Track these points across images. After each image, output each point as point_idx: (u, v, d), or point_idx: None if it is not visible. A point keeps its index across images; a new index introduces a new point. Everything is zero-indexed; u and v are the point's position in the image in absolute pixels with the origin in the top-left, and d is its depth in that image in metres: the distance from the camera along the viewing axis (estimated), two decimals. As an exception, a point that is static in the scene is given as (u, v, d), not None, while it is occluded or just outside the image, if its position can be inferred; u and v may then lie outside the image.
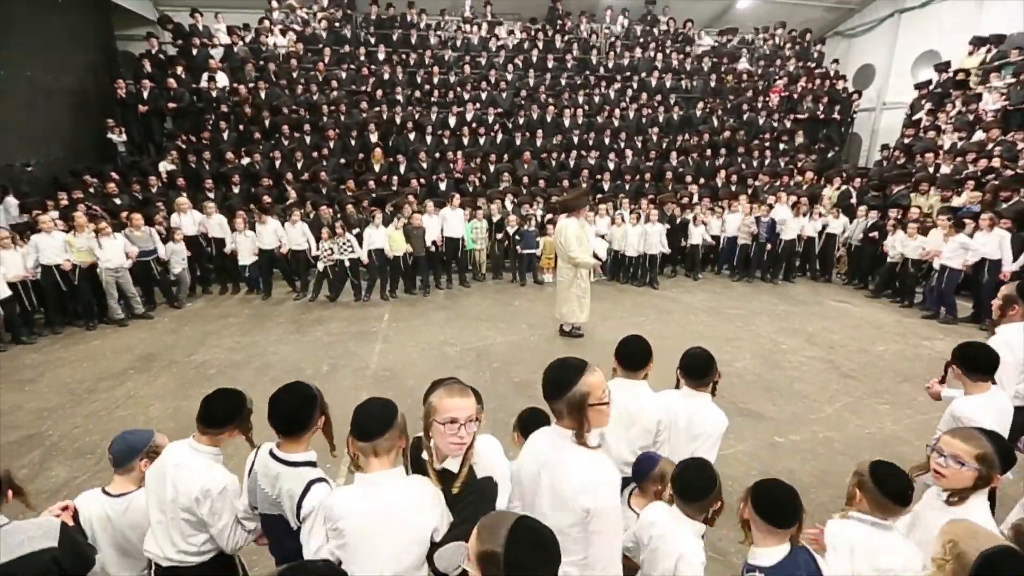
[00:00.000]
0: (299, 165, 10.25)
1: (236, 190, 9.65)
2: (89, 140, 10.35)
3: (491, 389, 5.00)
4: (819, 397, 4.99)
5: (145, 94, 10.51)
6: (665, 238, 9.25)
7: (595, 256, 6.66)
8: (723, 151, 12.14)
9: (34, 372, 5.50)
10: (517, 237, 9.20)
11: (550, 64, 13.18)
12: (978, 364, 2.43)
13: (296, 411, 1.81)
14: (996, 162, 8.77)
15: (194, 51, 11.53)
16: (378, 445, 1.61)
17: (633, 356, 2.36)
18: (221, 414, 1.97)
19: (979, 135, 9.60)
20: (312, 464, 1.85)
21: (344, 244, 7.88)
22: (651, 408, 2.34)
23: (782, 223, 9.28)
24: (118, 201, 8.86)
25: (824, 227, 9.45)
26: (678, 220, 9.70)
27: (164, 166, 9.84)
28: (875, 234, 8.73)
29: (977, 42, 11.03)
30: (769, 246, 9.39)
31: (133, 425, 4.30)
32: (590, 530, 1.61)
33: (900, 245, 8.09)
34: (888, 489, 1.77)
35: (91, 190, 8.91)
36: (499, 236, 9.38)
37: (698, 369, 2.39)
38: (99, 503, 2.09)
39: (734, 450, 4.07)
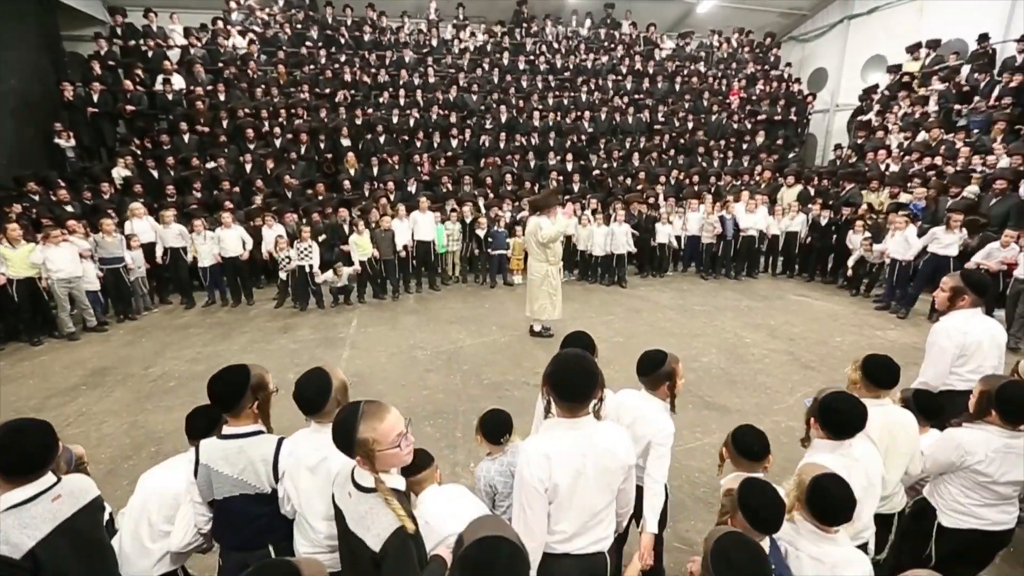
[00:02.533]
0: (269, 170, 9.99)
1: (198, 196, 9.33)
2: (34, 145, 9.81)
3: (462, 392, 4.97)
4: (781, 388, 5.15)
5: (95, 97, 10.07)
6: (631, 237, 9.40)
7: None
8: (685, 152, 12.45)
9: (-25, 391, 5.18)
10: (489, 239, 9.20)
11: (520, 66, 13.25)
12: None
13: (226, 393, 1.92)
14: (939, 160, 9.27)
15: (149, 53, 11.11)
16: (318, 417, 1.91)
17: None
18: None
19: (923, 135, 10.13)
20: (263, 431, 1.98)
21: (305, 250, 7.72)
22: None
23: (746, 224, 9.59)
24: (69, 209, 8.46)
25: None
26: (644, 217, 9.86)
27: (118, 172, 9.43)
28: (835, 237, 9.09)
29: (914, 47, 11.65)
30: (733, 243, 9.69)
31: (84, 444, 4.10)
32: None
33: (857, 244, 8.47)
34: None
35: (35, 197, 8.48)
36: (471, 242, 9.34)
37: (643, 366, 2.40)
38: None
39: (701, 443, 4.15)
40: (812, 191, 10.41)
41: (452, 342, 6.36)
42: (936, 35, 11.61)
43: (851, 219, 8.75)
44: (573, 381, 1.71)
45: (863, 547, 2.11)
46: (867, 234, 8.34)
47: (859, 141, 11.49)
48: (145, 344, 6.46)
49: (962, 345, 2.87)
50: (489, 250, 9.24)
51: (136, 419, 4.52)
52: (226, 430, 1.93)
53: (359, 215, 8.71)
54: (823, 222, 9.28)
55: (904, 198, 8.82)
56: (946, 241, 7.15)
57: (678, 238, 9.96)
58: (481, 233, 9.22)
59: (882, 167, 10.10)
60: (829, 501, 1.73)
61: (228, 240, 7.95)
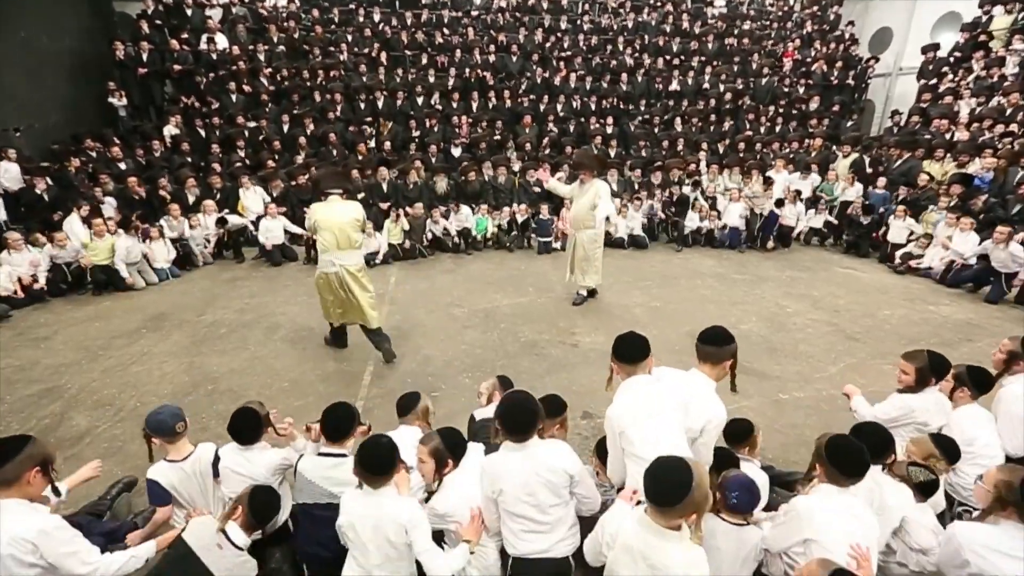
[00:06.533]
0: (309, 130, 10.11)
1: (242, 154, 9.59)
2: (89, 104, 10.20)
3: (499, 348, 5.06)
4: (823, 358, 5.03)
5: (144, 56, 10.32)
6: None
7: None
8: (731, 117, 11.91)
9: (48, 330, 5.59)
10: (533, 225, 9.07)
11: (561, 25, 12.85)
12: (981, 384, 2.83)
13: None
14: (1014, 127, 8.58)
15: (189, 11, 11.25)
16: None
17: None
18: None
19: (998, 100, 9.36)
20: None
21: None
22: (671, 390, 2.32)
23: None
24: (122, 166, 8.85)
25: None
26: (675, 197, 9.62)
27: (168, 130, 9.75)
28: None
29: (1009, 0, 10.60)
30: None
31: (148, 380, 4.42)
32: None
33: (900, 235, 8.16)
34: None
35: (92, 154, 8.88)
36: (507, 225, 9.20)
37: (711, 337, 2.40)
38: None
39: (738, 406, 4.11)
40: (867, 160, 9.82)
41: (489, 301, 6.43)
42: (1021, -11, 10.55)
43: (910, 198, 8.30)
44: (516, 419, 2.09)
45: None
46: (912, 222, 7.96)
47: (923, 106, 10.72)
48: (196, 294, 6.78)
49: None
50: (535, 234, 9.16)
51: (193, 360, 4.81)
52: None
53: (397, 176, 8.79)
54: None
55: (971, 168, 8.25)
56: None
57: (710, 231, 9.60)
58: (519, 219, 9.12)
59: (947, 135, 9.43)
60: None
61: (274, 229, 8.09)
